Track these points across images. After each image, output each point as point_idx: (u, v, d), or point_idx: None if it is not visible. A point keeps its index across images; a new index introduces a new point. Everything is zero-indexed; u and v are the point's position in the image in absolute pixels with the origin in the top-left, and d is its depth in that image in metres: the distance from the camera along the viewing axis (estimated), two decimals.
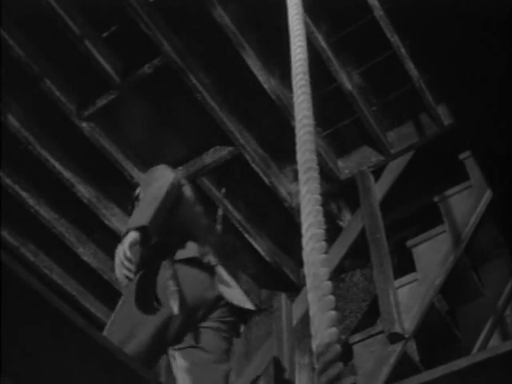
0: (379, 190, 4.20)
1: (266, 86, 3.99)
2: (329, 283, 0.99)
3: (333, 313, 0.96)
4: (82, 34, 3.78)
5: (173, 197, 2.48)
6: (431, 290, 3.48)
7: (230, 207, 4.44)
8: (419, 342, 3.62)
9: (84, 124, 4.03)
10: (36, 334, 1.39)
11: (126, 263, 2.19)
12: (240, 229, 4.54)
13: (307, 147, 1.23)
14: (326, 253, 1.03)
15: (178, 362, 2.36)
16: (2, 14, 3.61)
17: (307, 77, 1.47)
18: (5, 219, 4.20)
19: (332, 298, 0.98)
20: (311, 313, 0.97)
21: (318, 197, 1.11)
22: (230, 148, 4.18)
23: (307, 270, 1.02)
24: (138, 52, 3.91)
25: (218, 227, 3.05)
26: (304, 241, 1.06)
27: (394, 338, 3.25)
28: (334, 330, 0.94)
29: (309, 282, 1.00)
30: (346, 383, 3.41)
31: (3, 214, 4.13)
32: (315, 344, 0.93)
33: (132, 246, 2.23)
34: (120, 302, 2.42)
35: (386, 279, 3.52)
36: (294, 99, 1.40)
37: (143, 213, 2.33)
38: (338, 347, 0.92)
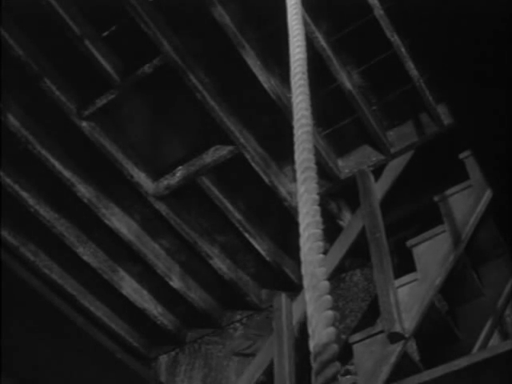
0: (379, 189, 4.19)
1: (266, 86, 3.99)
2: (326, 283, 0.99)
3: (330, 312, 0.96)
4: (82, 33, 3.79)
5: None
6: (431, 289, 3.48)
7: (229, 207, 4.44)
8: (419, 341, 3.62)
9: (84, 123, 4.03)
10: (36, 333, 1.39)
11: None
12: (240, 229, 4.54)
13: (305, 146, 1.23)
14: (324, 253, 1.03)
15: None
16: (1, 14, 3.61)
17: (306, 76, 1.46)
18: (5, 219, 4.20)
19: (329, 297, 0.98)
20: (308, 313, 0.96)
21: (316, 196, 1.11)
22: (230, 147, 4.18)
23: (304, 269, 1.02)
24: (137, 52, 3.91)
25: None
26: (302, 241, 1.06)
27: (394, 337, 3.25)
28: (331, 329, 0.94)
29: (306, 281, 0.99)
30: (346, 383, 3.40)
31: (3, 214, 4.13)
32: (312, 344, 0.93)
33: None
34: None
35: (386, 279, 3.52)
36: (293, 99, 1.39)
37: None
38: (335, 347, 0.92)
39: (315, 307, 0.95)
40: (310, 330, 0.95)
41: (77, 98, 4.01)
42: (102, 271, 4.61)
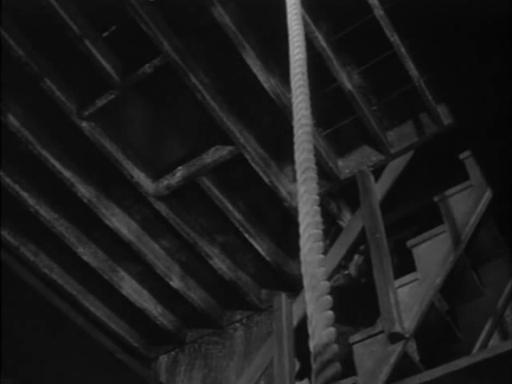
0: (379, 189, 4.19)
1: (266, 86, 3.99)
2: (326, 283, 0.99)
3: (330, 313, 0.96)
4: (82, 33, 3.78)
5: None
6: (431, 289, 3.48)
7: (230, 207, 4.44)
8: (419, 341, 3.62)
9: (84, 124, 4.03)
10: (36, 333, 1.39)
11: None
12: (240, 229, 4.53)
13: (305, 147, 1.23)
14: (324, 253, 1.03)
15: None
16: (1, 14, 3.61)
17: (306, 77, 1.46)
18: (5, 219, 4.20)
19: (329, 297, 0.98)
20: (308, 313, 0.97)
21: (316, 197, 1.11)
22: (230, 147, 4.18)
23: (304, 270, 1.02)
24: (138, 52, 3.91)
25: None
26: (301, 241, 1.06)
27: (394, 337, 3.25)
28: (331, 329, 0.94)
29: (306, 282, 1.00)
30: (346, 383, 3.40)
31: (3, 214, 4.13)
32: (313, 344, 0.93)
33: None
34: None
35: (386, 279, 3.52)
36: (293, 99, 1.39)
37: None
38: (335, 347, 0.92)
39: (315, 307, 0.95)
40: (310, 330, 0.95)
41: (77, 98, 4.01)
42: (102, 271, 4.61)
